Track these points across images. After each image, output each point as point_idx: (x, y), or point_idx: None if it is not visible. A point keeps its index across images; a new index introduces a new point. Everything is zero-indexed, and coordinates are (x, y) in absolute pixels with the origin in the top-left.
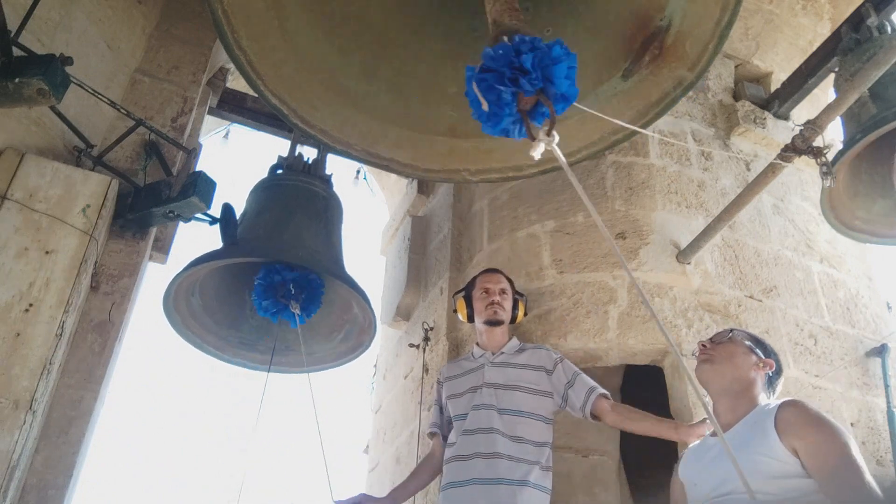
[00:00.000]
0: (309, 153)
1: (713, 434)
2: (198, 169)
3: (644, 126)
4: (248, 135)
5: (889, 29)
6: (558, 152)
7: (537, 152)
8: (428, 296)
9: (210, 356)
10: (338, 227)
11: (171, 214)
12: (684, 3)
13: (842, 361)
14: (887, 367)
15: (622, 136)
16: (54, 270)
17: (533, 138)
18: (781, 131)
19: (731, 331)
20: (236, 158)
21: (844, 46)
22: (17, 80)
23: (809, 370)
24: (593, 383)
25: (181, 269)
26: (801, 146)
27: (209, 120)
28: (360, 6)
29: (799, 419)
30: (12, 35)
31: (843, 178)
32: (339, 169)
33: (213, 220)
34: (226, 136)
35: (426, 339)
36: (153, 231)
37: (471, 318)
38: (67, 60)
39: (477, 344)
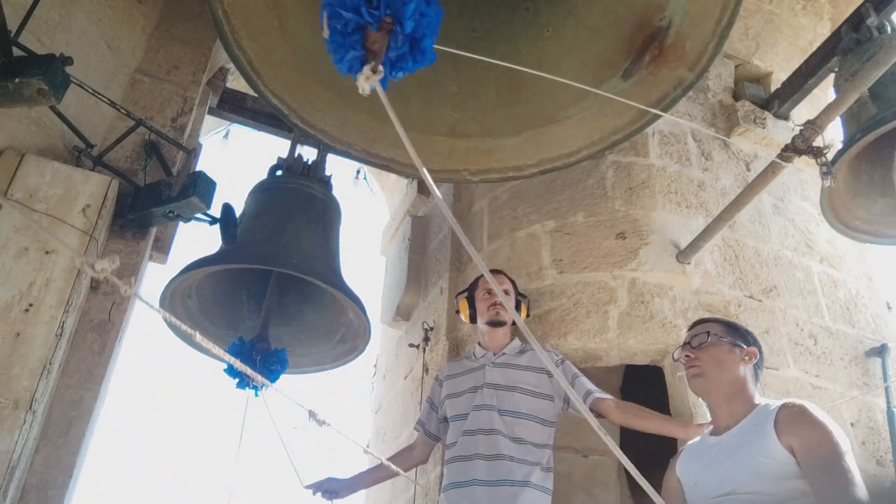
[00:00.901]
0: (309, 153)
1: (712, 433)
2: (198, 169)
3: (644, 126)
4: (248, 135)
5: (889, 29)
6: (382, 95)
7: (365, 90)
8: (428, 296)
9: (208, 357)
10: (335, 232)
11: (171, 214)
12: (684, 3)
13: (842, 361)
14: (887, 367)
15: (622, 135)
16: (54, 270)
17: (354, 74)
18: (781, 131)
19: (708, 332)
20: (236, 158)
21: (844, 46)
22: (17, 80)
23: (809, 370)
24: (590, 387)
25: (177, 273)
26: (801, 146)
27: (209, 120)
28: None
29: (796, 418)
30: (12, 35)
31: (843, 178)
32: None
33: (213, 220)
34: (226, 136)
35: (426, 339)
36: (153, 231)
37: (473, 319)
38: (67, 60)
39: (479, 344)
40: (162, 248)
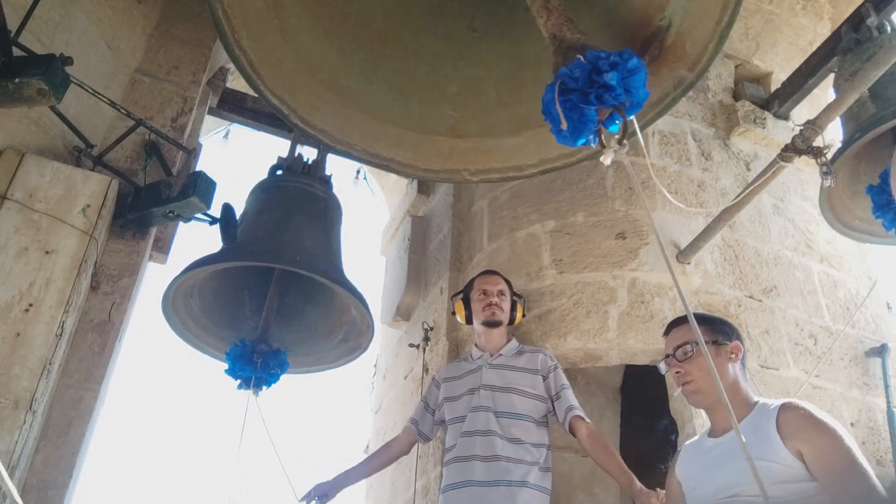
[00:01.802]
0: (309, 153)
1: (711, 435)
2: (198, 169)
3: (644, 126)
4: (248, 135)
5: (889, 29)
6: (627, 162)
7: (608, 160)
8: (428, 296)
9: (209, 356)
10: (337, 229)
11: (171, 214)
12: (684, 3)
13: (842, 361)
14: (887, 367)
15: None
16: (54, 270)
17: (603, 147)
18: (781, 131)
19: (695, 343)
20: (236, 158)
21: (844, 46)
22: (17, 80)
23: (809, 370)
24: (573, 403)
25: (179, 272)
26: (801, 146)
27: (209, 120)
28: (360, 6)
29: (802, 422)
30: (12, 35)
31: (842, 178)
32: (339, 169)
33: (213, 220)
34: (226, 136)
35: (426, 339)
36: (153, 231)
37: (469, 320)
38: (67, 60)
39: (475, 345)
40: (162, 248)
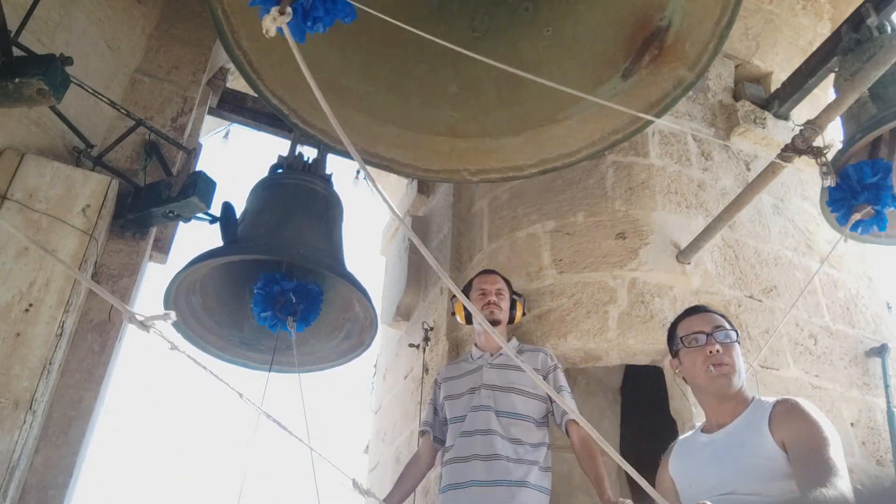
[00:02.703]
0: (309, 153)
1: (704, 430)
2: (198, 169)
3: (644, 126)
4: (248, 135)
5: (889, 29)
6: (291, 41)
7: (266, 31)
8: (428, 296)
9: (211, 356)
10: (338, 225)
11: (171, 214)
12: (684, 3)
13: (842, 361)
14: (887, 367)
15: (622, 135)
16: (54, 270)
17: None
18: (781, 131)
19: (737, 331)
20: (236, 158)
21: (844, 46)
22: (17, 80)
23: (809, 370)
24: (573, 405)
25: (182, 267)
26: (801, 146)
27: (209, 120)
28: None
29: (788, 413)
30: (12, 35)
31: None
32: (339, 169)
33: (213, 220)
34: (226, 136)
35: (426, 339)
36: (153, 231)
37: (469, 320)
38: (67, 60)
39: (475, 345)
40: (162, 248)
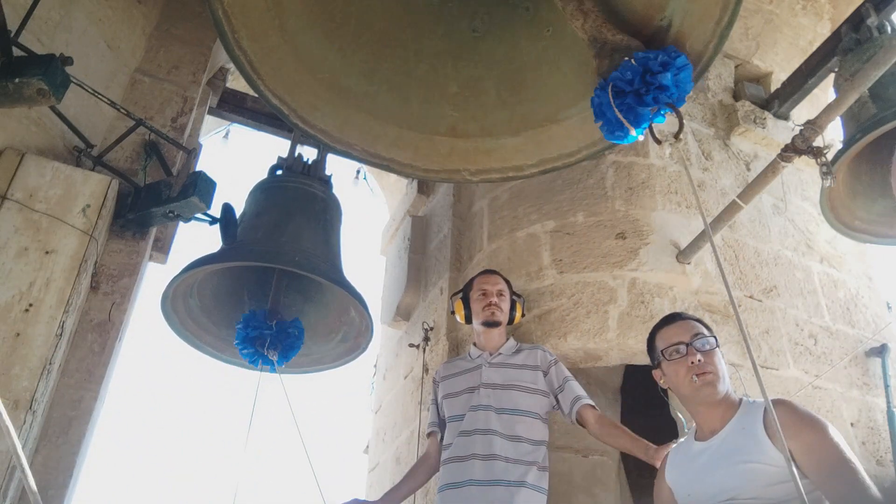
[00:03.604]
0: (309, 153)
1: (697, 438)
2: (198, 169)
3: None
4: (248, 135)
5: (889, 29)
6: (685, 152)
7: (667, 152)
8: (428, 296)
9: (209, 356)
10: (336, 230)
11: (171, 214)
12: (684, 3)
13: (841, 361)
14: (887, 367)
15: None
16: (54, 270)
17: (659, 143)
18: (781, 131)
19: (715, 337)
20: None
21: (844, 46)
22: (17, 80)
23: (809, 370)
24: (580, 392)
25: (178, 273)
26: (801, 146)
27: (209, 120)
28: (360, 6)
29: (789, 420)
30: (12, 35)
31: (842, 178)
32: (339, 169)
33: (213, 220)
34: (226, 136)
35: (426, 339)
36: (153, 231)
37: (468, 320)
38: (67, 60)
39: (474, 344)
40: (162, 248)
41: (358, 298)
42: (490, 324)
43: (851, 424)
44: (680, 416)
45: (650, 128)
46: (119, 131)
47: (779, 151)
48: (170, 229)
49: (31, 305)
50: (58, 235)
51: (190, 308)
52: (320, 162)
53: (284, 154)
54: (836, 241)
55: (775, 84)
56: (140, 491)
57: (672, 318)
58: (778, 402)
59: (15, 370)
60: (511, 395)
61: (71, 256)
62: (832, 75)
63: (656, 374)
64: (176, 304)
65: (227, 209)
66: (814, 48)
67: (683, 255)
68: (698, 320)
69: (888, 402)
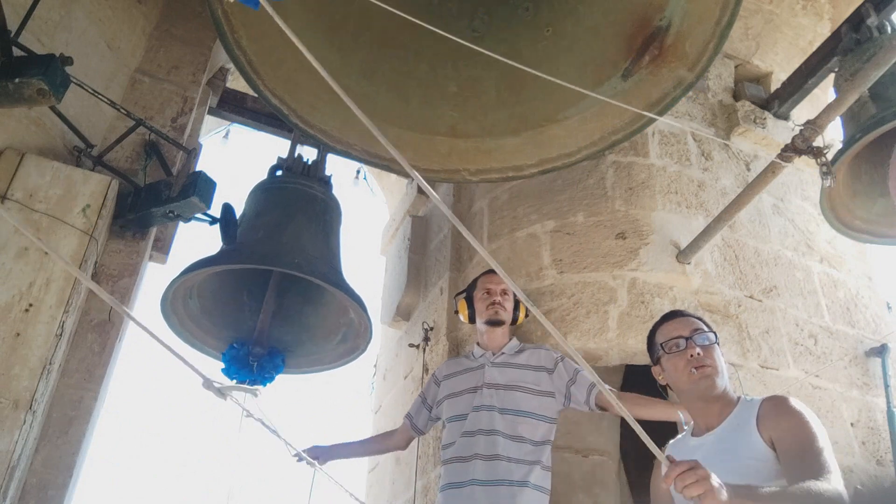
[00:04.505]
0: (309, 154)
1: (694, 434)
2: (198, 169)
3: (644, 126)
4: (248, 135)
5: (889, 29)
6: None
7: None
8: (428, 296)
9: (209, 357)
10: (336, 231)
11: (171, 214)
12: (684, 3)
13: (842, 361)
14: (887, 367)
15: (622, 135)
16: (54, 270)
17: None
18: (781, 131)
19: (715, 333)
20: (236, 158)
21: (844, 46)
22: (17, 80)
23: (809, 370)
24: (595, 378)
25: (178, 274)
26: (801, 146)
27: (209, 120)
28: (360, 6)
29: (774, 410)
30: (12, 35)
31: (842, 178)
32: (339, 169)
33: (213, 220)
34: (226, 136)
35: (426, 339)
36: (153, 231)
37: (472, 319)
38: (67, 60)
39: (477, 344)
40: (162, 248)
41: (357, 300)
42: (494, 323)
43: (851, 424)
44: (679, 414)
45: None
46: (119, 131)
47: (779, 151)
48: (170, 229)
49: (31, 305)
50: (58, 235)
51: (189, 309)
52: (320, 162)
53: (284, 154)
54: (836, 241)
55: (775, 84)
56: (140, 491)
57: (672, 315)
58: (772, 396)
59: (15, 370)
60: (514, 395)
61: (71, 256)
62: (832, 75)
63: (656, 370)
64: (175, 305)
65: (227, 209)
66: (814, 48)
67: (683, 255)
68: (699, 318)
69: (888, 402)
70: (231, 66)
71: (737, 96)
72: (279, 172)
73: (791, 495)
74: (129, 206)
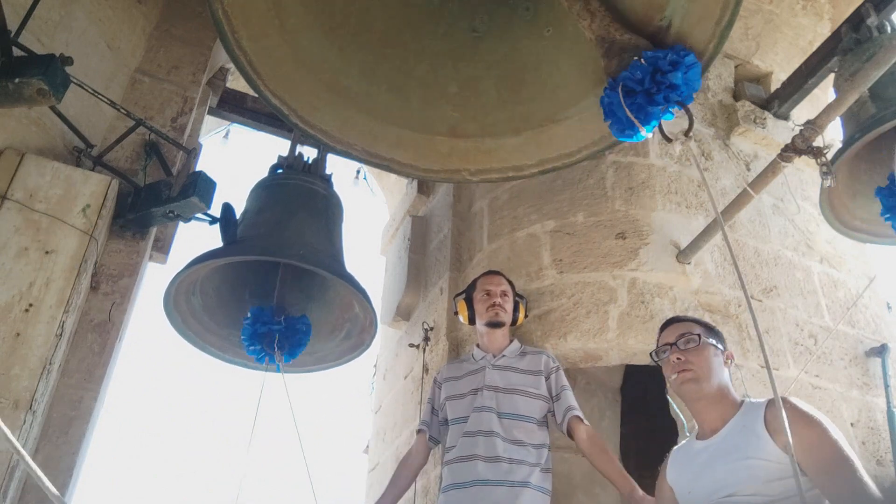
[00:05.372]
0: (309, 153)
1: (699, 437)
2: (198, 169)
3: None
4: (248, 135)
5: (889, 29)
6: (695, 150)
7: (677, 149)
8: (428, 296)
9: (211, 356)
10: (338, 226)
11: (171, 214)
12: (684, 3)
13: (842, 361)
14: (887, 367)
15: None
16: (54, 270)
17: (670, 140)
18: (781, 131)
19: (698, 335)
20: (236, 158)
21: (844, 46)
22: (17, 80)
23: (809, 370)
24: (572, 403)
25: (182, 268)
26: (801, 146)
27: (209, 120)
28: (360, 6)
29: (789, 417)
30: (12, 35)
31: (842, 178)
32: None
33: (213, 220)
34: (226, 136)
35: (426, 339)
36: (153, 231)
37: (472, 320)
38: (67, 60)
39: (477, 345)
40: (162, 248)
41: (362, 292)
42: (494, 324)
43: (851, 424)
44: (680, 415)
45: (660, 126)
46: (119, 131)
47: (779, 151)
48: (170, 229)
49: (31, 305)
50: (58, 235)
51: (192, 306)
52: (320, 161)
53: (284, 154)
54: (836, 241)
55: (775, 84)
56: (140, 491)
57: (667, 323)
58: (781, 399)
59: (15, 370)
60: (513, 399)
61: (71, 256)
62: (832, 75)
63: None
64: (178, 302)
65: (227, 209)
66: (814, 48)
67: (683, 255)
68: (694, 320)
69: (888, 402)
70: (231, 66)
71: (737, 96)
72: (280, 171)
73: None
74: (129, 206)
